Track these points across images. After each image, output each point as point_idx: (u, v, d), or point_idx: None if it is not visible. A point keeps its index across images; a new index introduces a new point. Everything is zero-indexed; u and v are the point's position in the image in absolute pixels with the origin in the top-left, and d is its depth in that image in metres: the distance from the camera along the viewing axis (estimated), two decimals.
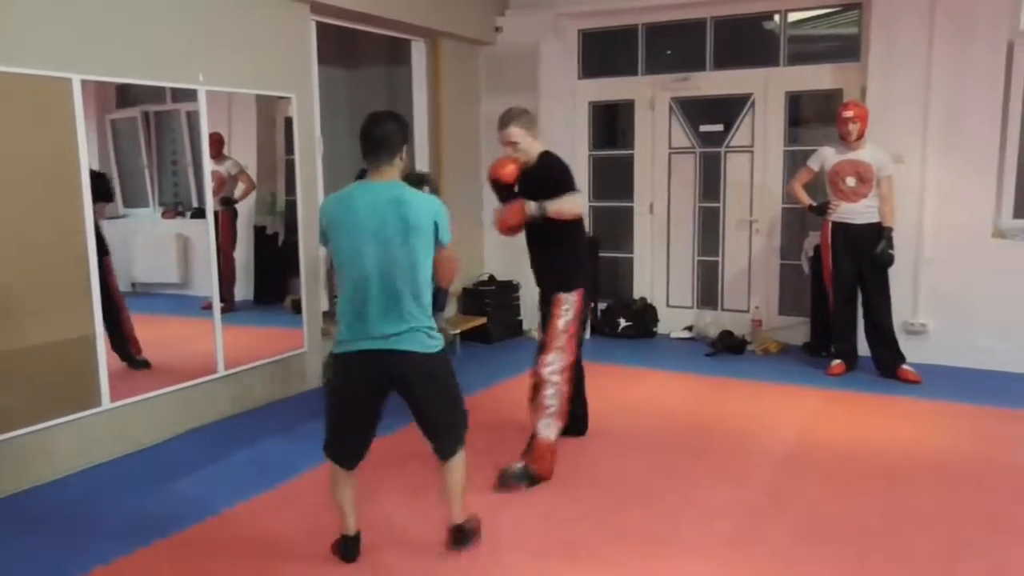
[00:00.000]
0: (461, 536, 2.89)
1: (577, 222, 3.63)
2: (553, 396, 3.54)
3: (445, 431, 2.82)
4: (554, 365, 3.55)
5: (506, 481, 3.46)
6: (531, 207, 3.45)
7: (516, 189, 3.62)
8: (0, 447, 3.48)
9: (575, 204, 3.52)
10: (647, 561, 2.87)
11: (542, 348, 3.61)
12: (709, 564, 2.84)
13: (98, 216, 3.96)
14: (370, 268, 2.65)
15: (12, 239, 3.48)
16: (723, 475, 3.62)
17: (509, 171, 3.56)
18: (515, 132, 3.55)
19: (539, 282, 3.79)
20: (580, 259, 3.71)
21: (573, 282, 3.63)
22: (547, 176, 3.57)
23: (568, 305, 3.60)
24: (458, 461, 2.85)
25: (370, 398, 2.75)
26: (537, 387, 3.58)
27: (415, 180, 3.09)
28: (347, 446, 2.79)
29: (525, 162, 3.57)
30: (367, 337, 2.67)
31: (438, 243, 2.72)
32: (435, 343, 2.74)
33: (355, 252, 2.66)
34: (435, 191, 3.03)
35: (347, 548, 2.86)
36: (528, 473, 3.49)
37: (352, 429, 2.79)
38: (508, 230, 3.60)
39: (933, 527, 3.11)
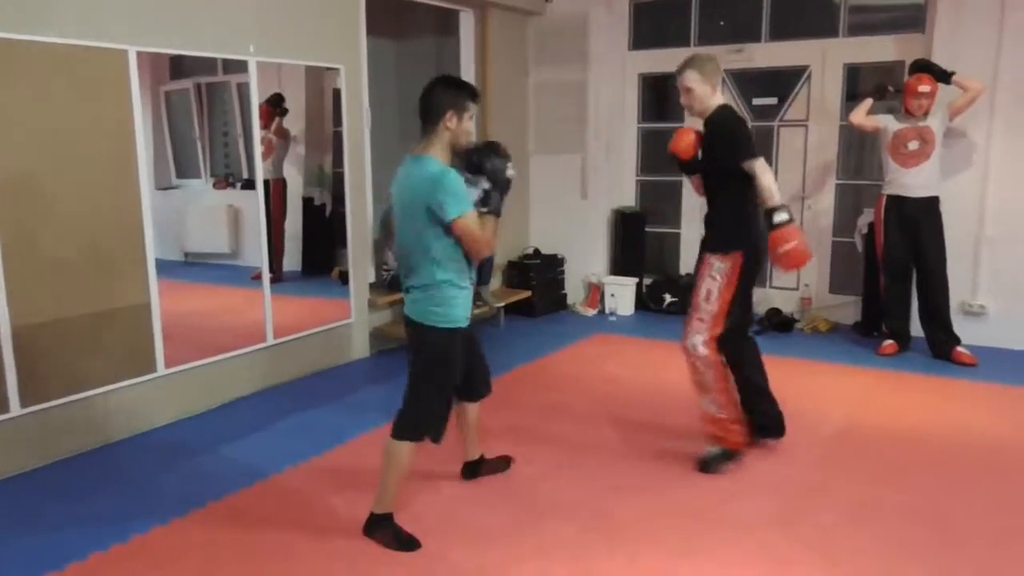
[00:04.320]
0: (367, 523, 2.87)
1: (749, 177, 3.19)
2: (705, 370, 3.28)
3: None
4: (695, 339, 3.28)
5: (706, 468, 3.35)
6: (780, 217, 3.09)
7: (700, 157, 3.35)
8: (60, 410, 3.61)
9: (767, 176, 3.10)
10: (688, 535, 2.86)
11: (686, 320, 3.35)
12: (751, 540, 2.82)
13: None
14: (401, 242, 2.77)
15: (71, 209, 3.58)
16: (768, 452, 3.58)
17: (685, 145, 3.32)
18: (690, 77, 3.22)
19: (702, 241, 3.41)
20: (745, 218, 3.26)
21: (728, 244, 3.24)
22: (716, 140, 3.24)
23: (716, 271, 3.26)
24: (390, 447, 2.81)
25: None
26: (689, 364, 3.34)
27: (475, 151, 2.77)
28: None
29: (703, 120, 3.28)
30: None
31: (441, 222, 2.60)
32: (434, 318, 2.73)
33: (398, 225, 2.78)
34: (493, 164, 2.74)
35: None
36: (721, 454, 3.36)
37: None
38: (794, 262, 3.15)
39: (984, 513, 3.03)
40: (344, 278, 5.18)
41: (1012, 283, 5.19)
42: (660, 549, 2.79)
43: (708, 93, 3.24)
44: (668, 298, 6.40)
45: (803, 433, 3.81)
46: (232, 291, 5.11)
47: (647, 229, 6.63)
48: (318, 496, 3.21)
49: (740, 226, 3.26)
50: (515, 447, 3.63)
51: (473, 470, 3.33)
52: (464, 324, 2.79)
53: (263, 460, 3.56)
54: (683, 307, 6.26)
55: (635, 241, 6.59)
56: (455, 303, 2.74)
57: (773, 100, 6.08)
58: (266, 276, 4.59)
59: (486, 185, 2.74)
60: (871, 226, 5.32)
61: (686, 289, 6.34)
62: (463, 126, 2.70)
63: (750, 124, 3.42)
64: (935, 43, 5.20)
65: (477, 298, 5.73)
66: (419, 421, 2.80)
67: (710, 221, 3.38)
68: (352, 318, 5.14)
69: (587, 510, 3.07)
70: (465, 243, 2.66)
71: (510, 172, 2.77)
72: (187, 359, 4.15)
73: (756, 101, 6.13)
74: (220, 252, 5.47)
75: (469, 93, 2.73)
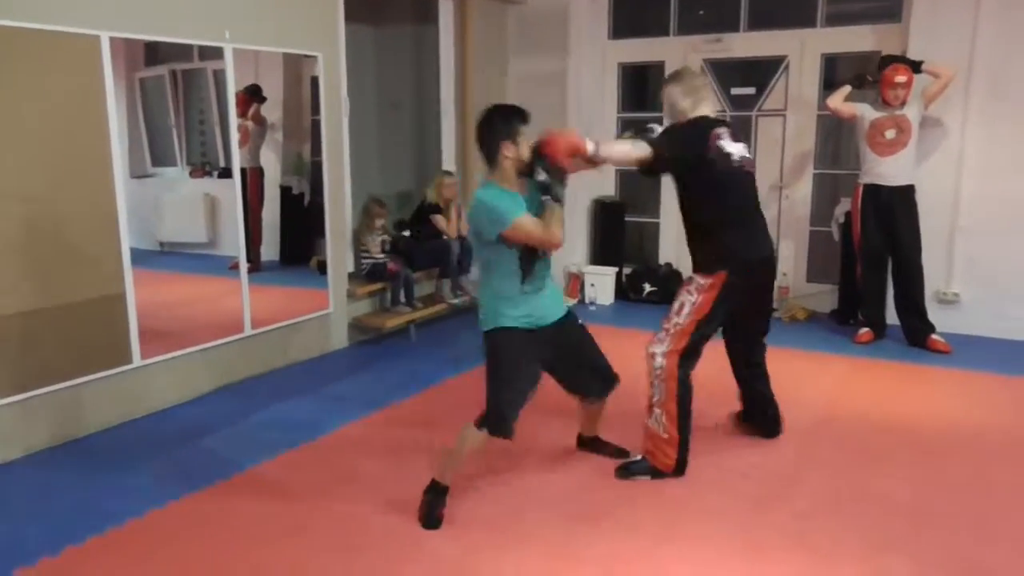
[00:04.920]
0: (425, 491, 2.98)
1: (721, 188, 3.11)
2: (657, 385, 3.18)
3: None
4: (654, 348, 3.19)
5: (625, 473, 3.27)
6: (589, 145, 2.91)
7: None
8: (35, 402, 3.55)
9: (625, 151, 3.03)
10: (666, 523, 2.88)
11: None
12: (729, 528, 2.84)
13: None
14: None
15: (43, 198, 3.51)
16: (746, 441, 3.61)
17: (559, 147, 2.87)
18: (670, 92, 3.19)
19: None
20: (721, 236, 3.13)
21: (708, 264, 3.14)
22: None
23: (694, 286, 3.17)
24: (463, 432, 2.95)
25: None
26: (647, 371, 3.23)
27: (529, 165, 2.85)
28: None
29: None
30: None
31: (494, 238, 2.78)
32: (485, 323, 2.95)
33: None
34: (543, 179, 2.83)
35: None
36: (647, 466, 3.25)
37: None
38: (555, 154, 2.81)
39: (961, 498, 3.08)
40: (323, 268, 5.14)
41: (985, 271, 5.26)
42: (639, 535, 2.80)
43: (688, 107, 3.17)
44: (647, 287, 6.42)
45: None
46: (209, 281, 5.06)
47: (627, 219, 6.65)
48: (296, 487, 3.19)
49: (716, 245, 3.13)
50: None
51: (585, 443, 3.51)
52: (516, 324, 2.89)
53: (240, 452, 3.53)
54: (662, 296, 6.32)
55: (615, 231, 6.60)
56: (505, 307, 2.89)
57: (751, 90, 6.10)
58: (243, 266, 4.55)
59: (543, 177, 2.82)
60: (848, 215, 5.37)
61: (665, 278, 6.38)
62: (520, 150, 2.82)
63: (723, 114, 3.19)
64: (911, 33, 5.24)
65: (457, 288, 5.74)
66: (487, 415, 2.91)
67: (688, 238, 3.28)
68: (331, 308, 5.10)
69: (566, 499, 3.08)
70: (530, 244, 2.82)
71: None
72: (163, 350, 4.10)
73: (734, 91, 6.16)
74: (197, 241, 5.41)
75: (519, 119, 2.84)
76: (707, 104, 3.23)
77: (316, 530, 2.85)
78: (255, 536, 2.81)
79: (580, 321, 3.17)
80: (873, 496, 3.09)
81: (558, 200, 2.82)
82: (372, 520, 2.91)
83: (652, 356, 3.18)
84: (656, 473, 3.23)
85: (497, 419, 2.88)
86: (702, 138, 3.09)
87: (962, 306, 5.36)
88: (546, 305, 2.98)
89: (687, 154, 3.09)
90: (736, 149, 3.14)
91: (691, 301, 3.17)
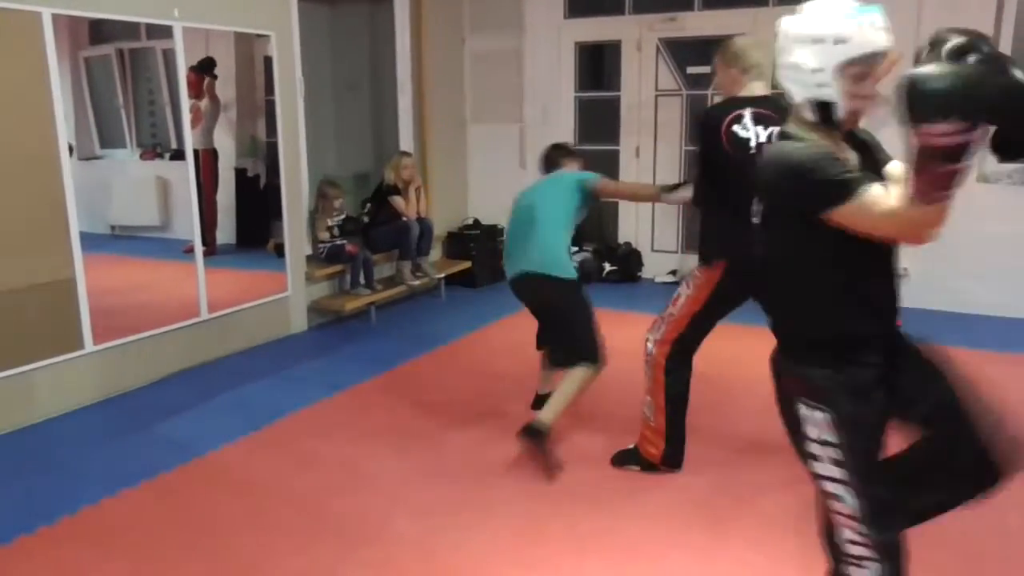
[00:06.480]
0: (527, 431, 3.13)
1: (730, 178, 2.78)
2: (647, 372, 3.09)
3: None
4: (650, 335, 3.09)
5: (617, 460, 3.19)
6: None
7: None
8: None
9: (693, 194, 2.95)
10: (633, 501, 2.94)
11: None
12: (688, 503, 2.91)
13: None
14: None
15: None
16: (708, 416, 3.66)
17: None
18: (716, 69, 2.99)
19: None
20: (724, 224, 2.87)
21: (709, 253, 2.98)
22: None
23: (691, 278, 3.03)
24: (571, 372, 3.22)
25: None
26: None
27: None
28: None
29: None
30: None
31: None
32: (564, 271, 3.30)
33: None
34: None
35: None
36: (638, 456, 3.16)
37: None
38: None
39: None
40: (280, 251, 5.08)
41: (932, 247, 5.38)
42: (603, 513, 2.85)
43: (730, 83, 2.91)
44: (607, 267, 6.47)
45: (740, 397, 3.93)
46: (163, 264, 4.98)
47: None
48: (256, 472, 3.18)
49: (720, 232, 2.92)
50: (456, 417, 3.65)
51: (542, 402, 3.49)
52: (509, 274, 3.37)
53: (199, 437, 3.50)
54: (622, 276, 6.38)
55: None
56: (568, 257, 3.32)
57: (707, 69, 6.15)
58: (199, 249, 4.47)
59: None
60: None
61: (625, 258, 6.44)
62: None
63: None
64: None
65: (417, 269, 5.73)
66: (593, 352, 3.25)
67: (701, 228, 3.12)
68: (289, 291, 5.05)
69: (531, 477, 3.11)
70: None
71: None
72: (118, 335, 4.03)
73: (690, 70, 6.20)
74: (149, 225, 5.31)
75: None
76: (747, 82, 2.88)
77: (277, 514, 2.84)
78: (215, 521, 2.80)
79: None
80: None
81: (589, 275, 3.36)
82: (333, 503, 2.91)
83: (645, 342, 3.11)
84: (647, 465, 3.13)
85: (601, 351, 3.24)
86: (714, 132, 2.83)
87: (911, 280, 5.50)
88: None
89: (705, 153, 2.90)
90: (755, 133, 2.81)
91: (687, 293, 3.02)
